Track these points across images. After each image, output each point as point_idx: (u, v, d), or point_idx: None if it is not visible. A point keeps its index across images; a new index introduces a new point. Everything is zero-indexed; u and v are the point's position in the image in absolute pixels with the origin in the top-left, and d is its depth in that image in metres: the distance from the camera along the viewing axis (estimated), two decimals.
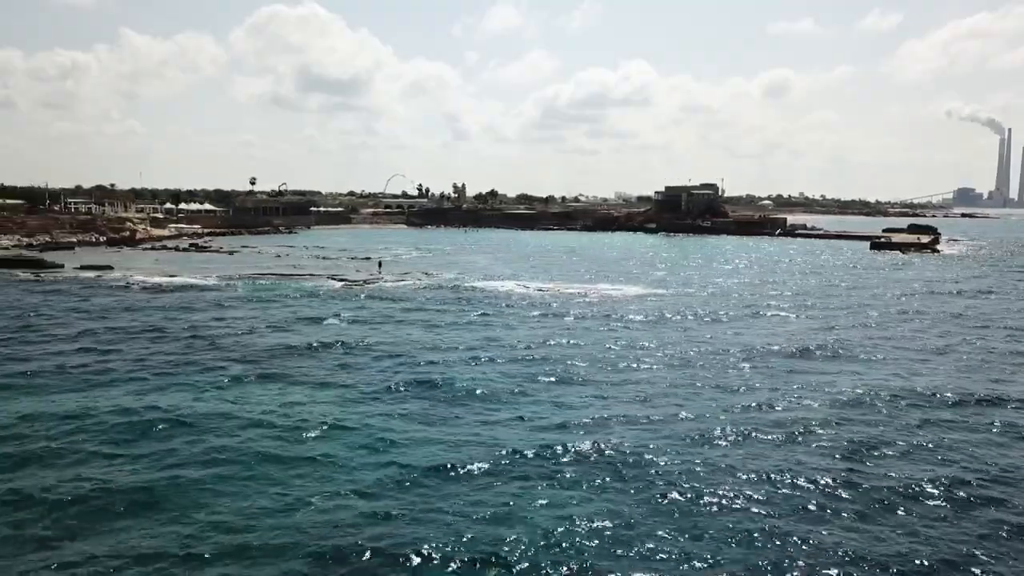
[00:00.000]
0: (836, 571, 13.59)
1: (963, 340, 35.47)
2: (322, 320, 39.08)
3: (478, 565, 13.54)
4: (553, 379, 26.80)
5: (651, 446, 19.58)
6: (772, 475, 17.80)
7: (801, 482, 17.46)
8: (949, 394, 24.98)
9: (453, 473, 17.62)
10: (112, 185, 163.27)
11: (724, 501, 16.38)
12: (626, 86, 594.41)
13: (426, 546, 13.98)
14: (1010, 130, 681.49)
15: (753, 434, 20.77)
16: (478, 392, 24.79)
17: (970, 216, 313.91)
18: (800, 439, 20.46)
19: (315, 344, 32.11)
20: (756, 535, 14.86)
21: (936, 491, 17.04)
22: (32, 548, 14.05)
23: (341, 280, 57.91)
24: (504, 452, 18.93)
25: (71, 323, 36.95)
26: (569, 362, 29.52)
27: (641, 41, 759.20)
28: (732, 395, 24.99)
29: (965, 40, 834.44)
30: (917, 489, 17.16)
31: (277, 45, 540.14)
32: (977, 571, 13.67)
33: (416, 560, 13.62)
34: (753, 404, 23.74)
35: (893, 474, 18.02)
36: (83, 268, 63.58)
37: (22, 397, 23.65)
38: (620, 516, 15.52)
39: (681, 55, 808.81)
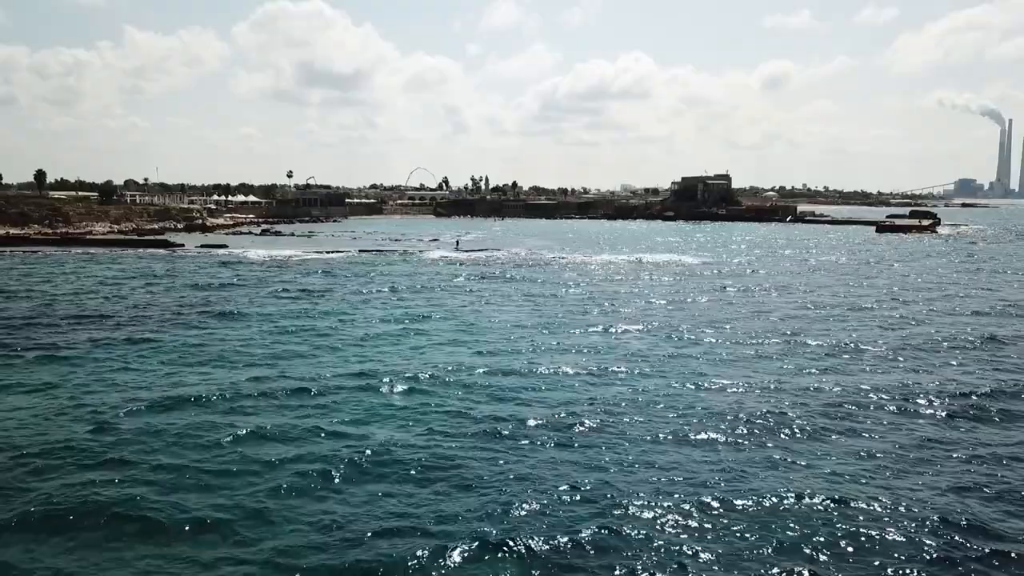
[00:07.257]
0: None
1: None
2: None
3: None
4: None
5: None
6: None
7: None
8: None
9: None
10: (146, 180, 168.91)
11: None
12: (626, 78, 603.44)
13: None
14: (1010, 121, 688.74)
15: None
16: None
17: (971, 206, 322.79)
18: None
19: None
20: None
21: None
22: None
23: (465, 252, 67.19)
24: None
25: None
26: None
27: (640, 36, 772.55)
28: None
29: (962, 32, 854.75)
30: None
31: (279, 40, 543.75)
32: None
33: None
34: None
35: None
36: (203, 247, 70.60)
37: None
38: None
39: (680, 48, 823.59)
